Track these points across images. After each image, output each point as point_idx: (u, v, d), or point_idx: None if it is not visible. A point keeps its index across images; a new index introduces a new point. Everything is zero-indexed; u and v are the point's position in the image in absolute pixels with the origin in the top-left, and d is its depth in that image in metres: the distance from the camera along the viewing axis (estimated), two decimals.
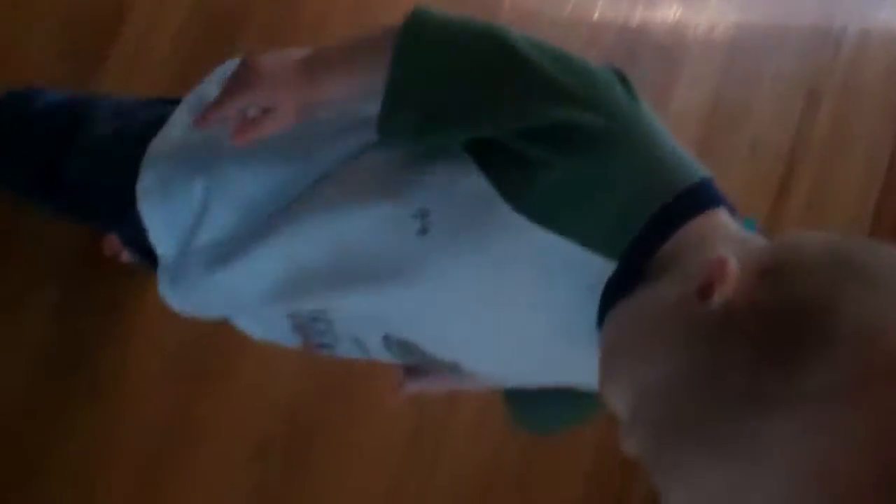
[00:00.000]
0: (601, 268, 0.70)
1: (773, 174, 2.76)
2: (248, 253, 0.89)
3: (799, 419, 0.54)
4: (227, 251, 0.91)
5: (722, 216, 0.71)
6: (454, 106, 0.76)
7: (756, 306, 0.59)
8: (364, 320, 0.88)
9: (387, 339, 0.88)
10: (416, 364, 0.94)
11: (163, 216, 0.94)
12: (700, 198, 0.71)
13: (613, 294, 0.69)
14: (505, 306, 0.76)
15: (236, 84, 0.86)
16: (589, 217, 0.70)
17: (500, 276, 0.74)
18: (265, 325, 1.02)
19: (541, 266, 0.72)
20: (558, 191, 0.70)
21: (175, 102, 0.99)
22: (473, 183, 0.74)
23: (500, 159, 0.73)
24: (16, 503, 1.44)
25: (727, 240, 0.68)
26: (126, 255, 1.50)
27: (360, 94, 0.84)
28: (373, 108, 0.80)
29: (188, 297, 0.98)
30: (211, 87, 0.97)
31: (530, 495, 2.17)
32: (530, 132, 0.72)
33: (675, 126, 0.74)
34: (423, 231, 0.76)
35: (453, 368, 0.88)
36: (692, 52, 2.47)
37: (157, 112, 0.99)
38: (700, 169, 0.73)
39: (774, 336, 0.57)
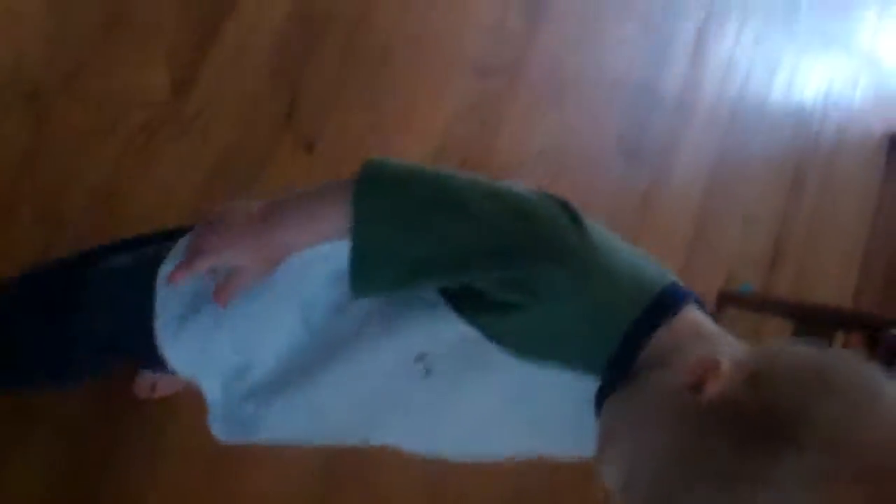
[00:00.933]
0: (591, 384, 0.77)
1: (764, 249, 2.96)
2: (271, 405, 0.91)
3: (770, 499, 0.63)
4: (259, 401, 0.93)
5: (691, 314, 0.78)
6: (431, 258, 0.77)
7: (739, 405, 0.67)
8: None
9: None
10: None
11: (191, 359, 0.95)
12: (666, 304, 0.76)
13: (605, 394, 0.77)
14: (506, 424, 0.85)
15: (196, 246, 0.85)
16: (569, 347, 0.77)
17: (503, 401, 0.82)
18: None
19: (538, 389, 0.79)
20: (536, 329, 0.76)
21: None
22: (456, 327, 0.78)
23: (473, 303, 0.78)
24: None
25: (709, 338, 0.76)
26: (160, 386, 1.49)
27: (318, 241, 0.83)
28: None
29: (236, 432, 0.97)
30: None
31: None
32: (500, 280, 0.76)
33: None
34: (428, 373, 0.81)
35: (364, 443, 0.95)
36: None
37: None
38: (662, 274, 0.79)
39: (752, 433, 0.66)
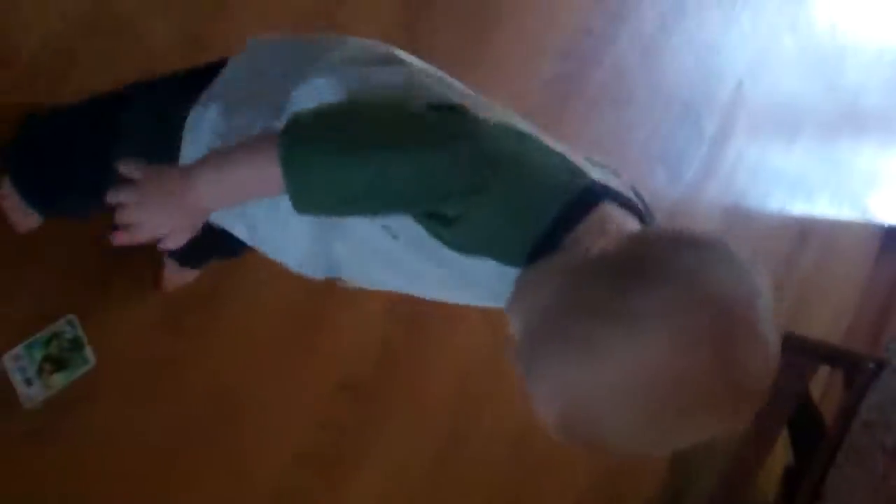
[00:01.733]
0: (515, 270, 0.91)
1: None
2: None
3: (631, 328, 0.75)
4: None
5: (603, 211, 0.88)
6: (360, 193, 0.85)
7: (616, 255, 0.81)
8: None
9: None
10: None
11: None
12: (582, 202, 0.88)
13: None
14: (451, 284, 0.99)
15: (131, 220, 0.93)
16: (497, 246, 0.90)
17: (454, 274, 0.95)
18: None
19: (473, 268, 0.92)
20: (468, 235, 0.89)
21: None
22: (413, 225, 0.91)
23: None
24: None
25: (613, 223, 0.88)
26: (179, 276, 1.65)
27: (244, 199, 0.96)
28: None
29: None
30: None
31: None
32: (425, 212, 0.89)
33: None
34: (395, 237, 0.94)
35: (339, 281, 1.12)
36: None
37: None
38: (581, 174, 0.90)
39: (623, 274, 0.79)
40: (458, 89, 1.01)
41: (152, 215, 0.93)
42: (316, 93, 0.95)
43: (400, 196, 0.86)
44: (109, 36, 1.49)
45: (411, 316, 2.09)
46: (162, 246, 0.95)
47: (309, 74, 0.98)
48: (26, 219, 1.41)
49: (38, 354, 1.47)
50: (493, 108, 0.95)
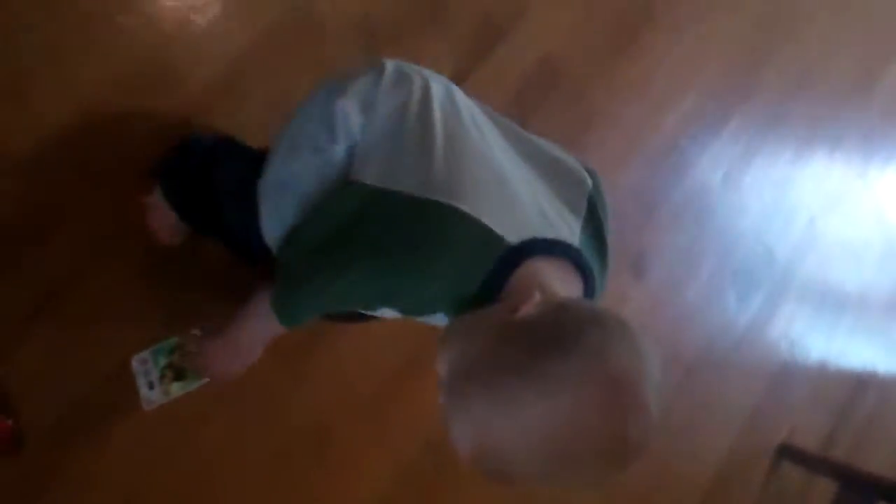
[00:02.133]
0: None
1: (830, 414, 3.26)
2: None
3: (544, 388, 0.89)
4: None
5: (534, 265, 1.07)
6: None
7: (538, 322, 0.95)
8: None
9: None
10: None
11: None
12: (511, 259, 1.07)
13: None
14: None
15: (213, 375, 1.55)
16: (441, 309, 1.12)
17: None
18: None
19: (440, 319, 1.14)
20: (413, 306, 1.13)
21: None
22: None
23: None
24: None
25: (544, 282, 1.04)
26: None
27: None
28: None
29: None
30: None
31: None
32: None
33: None
34: None
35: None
36: None
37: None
38: (517, 231, 1.09)
39: (541, 341, 0.93)
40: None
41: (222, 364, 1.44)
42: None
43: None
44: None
45: None
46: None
47: None
48: (169, 232, 1.57)
49: (162, 361, 1.59)
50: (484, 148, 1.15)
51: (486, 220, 1.07)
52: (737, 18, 2.78)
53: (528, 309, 0.97)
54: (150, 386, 1.57)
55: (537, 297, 0.98)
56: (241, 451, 1.76)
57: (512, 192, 1.13)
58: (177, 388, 1.59)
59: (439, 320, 1.16)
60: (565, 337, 0.93)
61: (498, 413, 0.91)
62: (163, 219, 1.56)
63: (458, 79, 1.95)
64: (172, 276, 1.65)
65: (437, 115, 1.17)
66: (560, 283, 1.07)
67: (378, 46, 1.91)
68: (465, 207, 1.06)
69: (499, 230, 1.07)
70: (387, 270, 1.07)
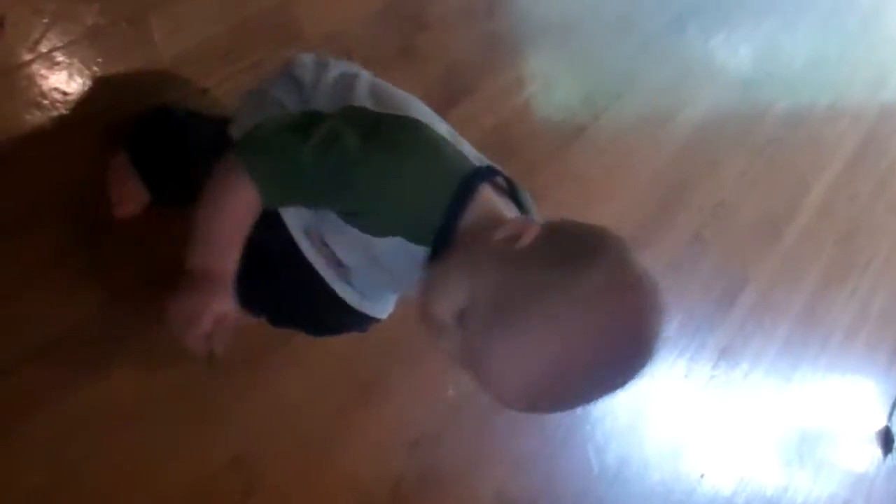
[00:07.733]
0: (422, 251, 1.06)
1: None
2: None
3: (570, 303, 0.91)
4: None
5: (485, 193, 1.06)
6: (298, 191, 1.09)
7: (543, 249, 0.96)
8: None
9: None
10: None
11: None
12: (468, 188, 1.04)
13: (436, 251, 1.05)
14: (381, 262, 1.14)
15: (181, 320, 1.07)
16: (401, 229, 1.06)
17: (378, 252, 1.11)
18: None
19: (396, 249, 1.08)
20: (374, 223, 1.07)
21: None
22: (334, 217, 1.10)
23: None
24: None
25: (501, 211, 1.05)
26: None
27: (240, 235, 1.09)
28: None
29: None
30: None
31: None
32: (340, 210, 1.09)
33: None
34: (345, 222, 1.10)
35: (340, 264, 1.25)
36: None
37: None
38: (461, 162, 1.07)
39: (569, 255, 0.95)
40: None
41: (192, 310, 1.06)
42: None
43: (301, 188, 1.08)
44: None
45: None
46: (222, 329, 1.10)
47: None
48: (130, 202, 1.46)
49: None
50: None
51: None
52: None
53: (530, 237, 0.97)
54: None
55: (535, 225, 0.99)
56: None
57: (445, 129, 1.14)
58: None
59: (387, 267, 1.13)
60: (587, 250, 0.95)
61: (544, 335, 0.91)
62: (128, 189, 1.45)
63: None
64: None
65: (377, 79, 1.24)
66: (507, 210, 1.07)
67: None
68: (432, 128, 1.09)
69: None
70: (366, 154, 1.03)
